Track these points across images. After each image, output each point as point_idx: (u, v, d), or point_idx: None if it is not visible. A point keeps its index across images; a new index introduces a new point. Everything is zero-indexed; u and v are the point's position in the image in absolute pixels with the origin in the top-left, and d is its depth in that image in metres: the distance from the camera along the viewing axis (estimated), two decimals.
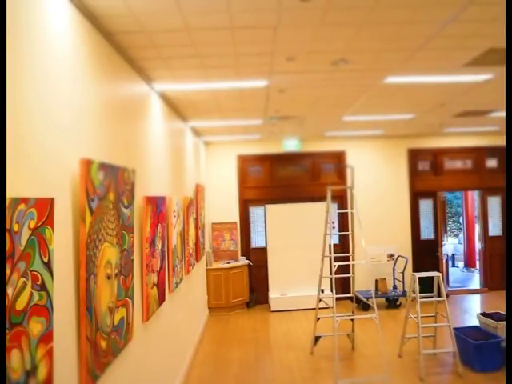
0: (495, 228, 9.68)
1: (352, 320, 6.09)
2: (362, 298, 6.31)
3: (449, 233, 14.82)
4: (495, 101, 6.17)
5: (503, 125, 8.32)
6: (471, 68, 4.43)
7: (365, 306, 7.77)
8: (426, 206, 9.51)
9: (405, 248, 9.12)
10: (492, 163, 9.64)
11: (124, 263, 3.05)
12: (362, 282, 6.91)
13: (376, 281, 8.43)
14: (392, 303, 8.27)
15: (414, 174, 9.46)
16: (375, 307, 5.45)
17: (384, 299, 8.37)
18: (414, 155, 9.48)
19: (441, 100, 5.98)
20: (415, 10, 2.97)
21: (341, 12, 2.94)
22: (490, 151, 9.58)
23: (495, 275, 9.53)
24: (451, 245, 13.76)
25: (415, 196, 9.44)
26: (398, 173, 9.37)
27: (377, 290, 8.33)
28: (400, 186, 9.39)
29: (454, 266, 12.94)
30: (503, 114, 7.01)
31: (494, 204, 9.67)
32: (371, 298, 5.64)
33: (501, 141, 9.43)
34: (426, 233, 9.48)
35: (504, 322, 5.46)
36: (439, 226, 9.43)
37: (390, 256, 8.87)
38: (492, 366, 5.21)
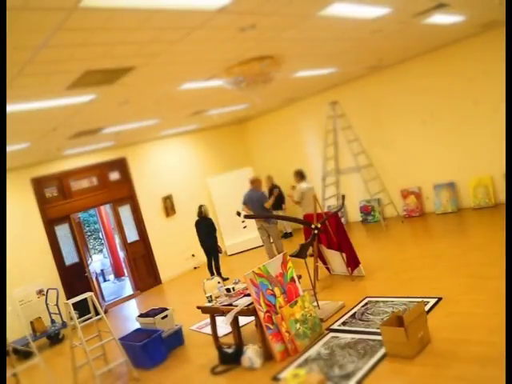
0: (131, 234, 10.42)
1: (15, 375, 5.44)
2: (19, 347, 5.73)
3: (92, 251, 15.06)
4: (102, 118, 6.58)
5: (116, 140, 9.00)
6: (74, 90, 4.58)
7: (26, 354, 7.07)
8: (63, 231, 9.35)
9: (52, 279, 8.78)
10: (115, 176, 10.28)
11: None
12: (15, 331, 6.27)
13: (31, 323, 7.79)
14: (54, 339, 7.83)
15: (43, 202, 9.13)
16: (35, 351, 5.06)
17: (46, 338, 7.84)
18: (39, 183, 9.15)
19: (52, 124, 5.95)
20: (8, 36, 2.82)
21: None
22: (111, 165, 10.19)
23: (142, 277, 10.30)
24: (98, 261, 14.03)
25: (50, 224, 9.14)
26: (26, 204, 8.85)
27: (35, 331, 7.71)
28: (31, 217, 8.90)
29: (105, 280, 13.27)
30: (112, 129, 7.57)
31: (126, 213, 10.37)
32: (29, 343, 5.19)
33: (120, 154, 10.16)
34: (70, 257, 9.35)
35: (160, 315, 5.96)
36: (81, 248, 9.46)
37: (40, 292, 8.35)
38: (160, 358, 5.62)
